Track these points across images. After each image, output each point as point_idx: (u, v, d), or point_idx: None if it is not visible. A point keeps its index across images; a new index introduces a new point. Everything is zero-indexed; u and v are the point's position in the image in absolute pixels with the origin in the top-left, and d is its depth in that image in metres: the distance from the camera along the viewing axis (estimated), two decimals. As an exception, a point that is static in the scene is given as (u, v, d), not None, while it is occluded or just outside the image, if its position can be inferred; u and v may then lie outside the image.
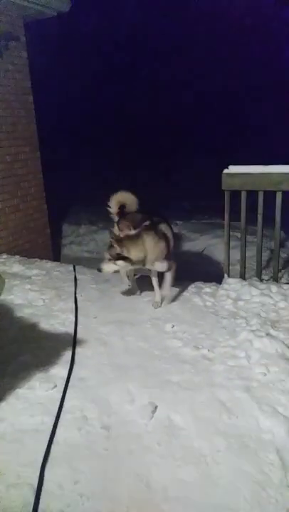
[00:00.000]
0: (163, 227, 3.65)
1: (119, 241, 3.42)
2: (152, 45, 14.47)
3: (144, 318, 3.76)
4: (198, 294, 4.19)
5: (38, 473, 2.10)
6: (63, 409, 2.56)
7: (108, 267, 3.52)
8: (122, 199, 3.97)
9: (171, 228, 3.80)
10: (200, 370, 2.93)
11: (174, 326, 3.54)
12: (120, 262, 3.46)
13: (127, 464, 2.17)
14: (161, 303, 3.94)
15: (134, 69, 14.68)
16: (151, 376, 2.88)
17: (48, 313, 3.84)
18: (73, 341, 3.35)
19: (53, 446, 2.28)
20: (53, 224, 7.23)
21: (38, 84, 6.34)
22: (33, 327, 3.60)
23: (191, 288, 4.35)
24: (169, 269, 3.77)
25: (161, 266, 3.68)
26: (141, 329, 3.56)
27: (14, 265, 5.03)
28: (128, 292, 4.20)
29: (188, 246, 6.69)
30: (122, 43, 14.17)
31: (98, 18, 13.25)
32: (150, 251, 3.52)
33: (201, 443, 2.29)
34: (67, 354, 3.16)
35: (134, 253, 3.45)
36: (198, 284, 4.52)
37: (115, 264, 3.47)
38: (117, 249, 3.40)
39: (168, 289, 3.91)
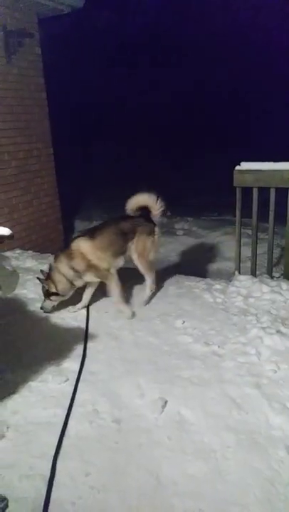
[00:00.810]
0: (79, 241, 3.71)
1: (46, 279, 3.66)
2: (168, 39, 14.37)
3: (154, 314, 3.78)
4: (209, 290, 4.19)
5: (50, 465, 2.14)
6: (75, 402, 2.60)
7: (48, 304, 3.73)
8: (141, 202, 3.97)
9: (91, 239, 3.70)
10: (210, 366, 2.94)
11: (184, 322, 3.55)
12: (54, 297, 3.69)
13: (138, 458, 2.20)
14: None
15: (148, 64, 14.61)
16: (161, 371, 2.90)
17: (60, 308, 3.88)
18: (85, 335, 3.39)
19: (64, 439, 2.33)
20: (65, 220, 7.28)
21: (50, 81, 6.37)
22: (45, 321, 3.65)
23: (202, 284, 4.35)
24: (104, 279, 3.79)
25: (89, 277, 3.77)
26: (151, 324, 3.59)
27: (27, 260, 5.09)
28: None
29: (198, 243, 6.67)
30: (136, 38, 14.10)
31: (112, 14, 13.21)
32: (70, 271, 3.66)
33: (211, 438, 2.31)
34: (79, 348, 3.20)
35: (59, 286, 3.65)
36: (209, 280, 4.52)
37: (51, 300, 3.70)
38: (46, 287, 3.65)
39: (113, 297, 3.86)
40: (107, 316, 3.77)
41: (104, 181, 11.10)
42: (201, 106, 14.58)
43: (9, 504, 1.56)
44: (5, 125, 5.46)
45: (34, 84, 5.95)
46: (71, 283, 3.69)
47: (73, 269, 3.64)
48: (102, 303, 4.01)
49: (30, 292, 4.15)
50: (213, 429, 2.37)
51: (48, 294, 3.66)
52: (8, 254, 5.02)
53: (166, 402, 2.56)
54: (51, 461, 2.17)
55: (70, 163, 9.22)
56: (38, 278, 3.76)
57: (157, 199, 3.94)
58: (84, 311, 3.82)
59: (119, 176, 11.26)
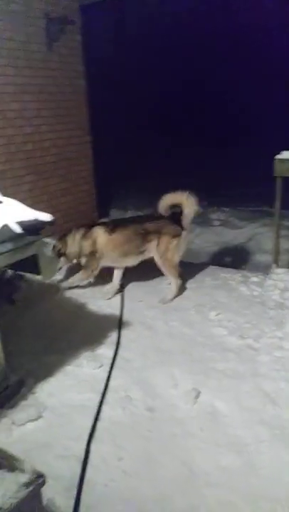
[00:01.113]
0: (98, 229, 3.92)
1: (61, 239, 3.87)
2: (211, 27, 13.97)
3: (189, 305, 3.76)
4: (245, 283, 4.12)
5: (84, 447, 2.20)
6: (109, 388, 2.65)
7: (61, 263, 3.92)
8: (173, 200, 3.88)
9: (109, 234, 3.89)
10: (245, 359, 2.91)
11: (219, 314, 3.52)
12: (62, 259, 3.86)
13: (170, 447, 2.22)
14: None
15: (191, 51, 14.29)
16: (195, 362, 2.89)
17: (95, 295, 3.94)
18: (119, 323, 3.43)
19: (98, 423, 2.37)
20: (101, 208, 7.34)
21: (90, 68, 6.38)
22: (81, 307, 3.72)
23: (238, 277, 4.28)
24: (84, 269, 4.00)
25: (81, 260, 3.98)
26: (185, 315, 3.57)
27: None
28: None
29: (234, 234, 6.54)
30: (178, 25, 13.80)
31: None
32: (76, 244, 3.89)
33: (245, 432, 2.29)
34: (113, 335, 3.24)
35: (68, 250, 3.86)
36: (245, 273, 4.44)
37: (62, 259, 3.87)
38: (57, 248, 3.79)
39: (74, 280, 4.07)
40: (141, 305, 3.79)
41: (141, 171, 11.07)
42: (238, 94, 14.17)
43: (46, 481, 1.60)
44: (45, 112, 5.53)
45: (74, 71, 5.97)
46: (77, 255, 3.92)
47: (80, 246, 3.86)
48: (135, 292, 4.04)
49: (66, 279, 4.23)
50: (247, 423, 2.35)
51: (58, 254, 3.81)
52: (46, 240, 5.13)
53: (199, 393, 2.55)
54: (85, 443, 2.22)
55: (107, 151, 9.25)
56: (55, 244, 3.80)
57: (190, 196, 3.80)
58: (118, 300, 3.85)
59: (155, 165, 11.20)
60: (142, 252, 3.93)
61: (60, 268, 3.98)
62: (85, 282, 4.09)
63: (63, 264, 3.95)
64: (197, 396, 2.54)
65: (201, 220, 7.14)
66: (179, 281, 3.91)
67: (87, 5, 6.12)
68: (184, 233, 3.89)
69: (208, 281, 4.24)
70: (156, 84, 14.55)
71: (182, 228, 3.89)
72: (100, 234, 3.86)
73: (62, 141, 5.91)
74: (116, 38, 12.72)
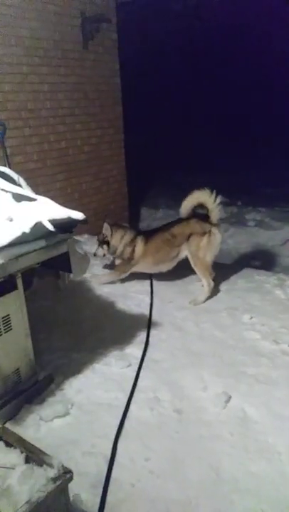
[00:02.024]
0: (139, 238, 4.06)
1: (112, 225, 4.05)
2: (246, 23, 13.69)
3: (221, 307, 3.69)
4: (281, 286, 3.99)
5: (111, 445, 2.18)
6: (136, 388, 2.63)
7: (100, 251, 4.14)
8: (196, 200, 3.82)
9: (145, 244, 4.05)
10: (278, 365, 2.81)
11: (252, 318, 3.43)
12: (105, 247, 4.07)
13: (198, 450, 2.17)
14: None
15: (231, 49, 14.06)
16: (225, 366, 2.83)
17: (125, 294, 3.94)
18: (148, 323, 3.41)
19: (125, 422, 2.35)
20: (132, 207, 7.34)
21: (126, 66, 6.38)
22: (110, 306, 3.72)
23: (273, 280, 4.16)
24: (116, 270, 4.18)
25: (116, 260, 4.20)
26: (217, 317, 3.51)
27: (95, 246, 5.21)
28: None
29: (270, 235, 6.36)
30: (216, 25, 13.59)
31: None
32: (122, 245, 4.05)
33: (277, 439, 2.21)
34: (142, 335, 3.22)
35: (113, 241, 4.03)
36: (281, 275, 4.31)
37: (102, 248, 4.09)
38: (105, 235, 4.05)
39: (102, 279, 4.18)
40: (172, 306, 3.75)
41: (173, 170, 11.01)
42: (270, 94, 13.83)
43: (73, 477, 1.60)
44: (79, 110, 5.59)
45: (109, 69, 6.00)
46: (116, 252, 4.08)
47: (123, 248, 4.02)
48: (165, 293, 4.00)
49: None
50: (279, 430, 2.27)
51: (102, 242, 4.03)
52: (77, 238, 5.19)
53: (230, 397, 2.49)
54: (112, 441, 2.21)
55: (139, 150, 9.25)
56: (107, 222, 4.10)
57: (214, 195, 3.72)
58: (147, 299, 3.83)
59: (187, 164, 11.11)
60: (174, 258, 4.01)
61: (104, 255, 4.16)
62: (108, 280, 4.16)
63: (101, 252, 4.12)
64: (227, 400, 2.48)
65: (235, 220, 7.01)
66: (212, 283, 3.84)
67: (124, 3, 6.13)
68: (213, 229, 3.82)
69: (242, 284, 4.14)
70: (190, 82, 14.42)
71: (211, 224, 3.83)
72: (140, 241, 4.02)
73: (95, 140, 5.95)
74: (150, 37, 12.67)
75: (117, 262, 4.14)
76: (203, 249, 3.80)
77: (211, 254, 3.83)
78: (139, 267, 4.10)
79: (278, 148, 11.95)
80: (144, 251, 4.00)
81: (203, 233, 3.81)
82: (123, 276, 4.11)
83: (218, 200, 3.74)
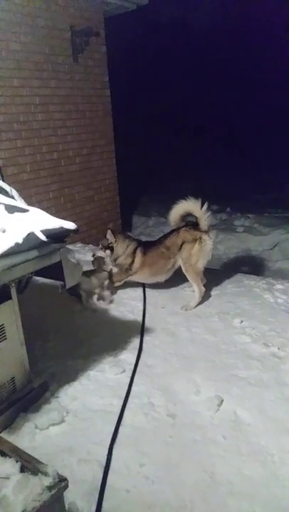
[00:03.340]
0: (139, 250, 4.09)
1: (116, 237, 4.05)
2: (233, 35, 13.97)
3: (212, 312, 3.74)
4: (270, 290, 4.06)
5: (106, 452, 2.20)
6: (131, 393, 2.65)
7: (100, 253, 4.12)
8: (185, 210, 3.90)
9: (143, 255, 4.09)
10: (269, 367, 2.86)
11: (242, 322, 3.48)
12: (108, 252, 4.05)
13: (192, 454, 2.20)
14: None
15: (214, 61, 14.32)
16: (217, 369, 2.87)
17: (118, 301, 3.97)
18: (141, 329, 3.44)
19: (120, 428, 2.38)
20: (124, 215, 7.41)
21: (115, 78, 6.49)
22: (103, 313, 3.75)
23: (262, 284, 4.22)
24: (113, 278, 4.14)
25: (114, 268, 4.15)
26: (208, 322, 3.55)
27: (88, 254, 5.26)
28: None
29: (259, 240, 6.47)
30: (201, 34, 13.85)
31: (177, 10, 13.05)
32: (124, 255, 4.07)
33: (269, 441, 2.25)
34: (136, 341, 3.25)
35: (117, 249, 4.04)
36: (270, 280, 4.38)
37: (104, 252, 4.07)
38: (109, 241, 4.05)
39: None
40: (164, 311, 3.79)
41: (162, 177, 11.12)
42: (262, 100, 14.06)
43: (68, 485, 1.62)
44: (70, 122, 5.67)
45: (99, 82, 6.10)
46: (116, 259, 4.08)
47: (125, 257, 4.04)
48: (158, 299, 4.04)
49: (90, 284, 4.28)
50: (271, 433, 2.31)
51: (106, 246, 4.05)
52: (70, 247, 5.22)
53: (222, 400, 2.53)
54: (107, 448, 2.23)
55: (128, 159, 9.35)
56: (110, 229, 4.13)
57: (200, 203, 3.77)
58: (140, 305, 3.87)
59: (178, 171, 11.22)
60: (169, 269, 4.06)
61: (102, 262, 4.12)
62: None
63: (103, 255, 4.10)
64: (220, 403, 2.51)
65: (225, 226, 7.11)
66: (203, 289, 3.89)
67: (112, 16, 6.26)
68: (204, 236, 3.86)
69: (232, 288, 4.20)
70: (181, 92, 14.63)
71: (200, 232, 3.88)
72: (139, 252, 4.06)
73: (87, 151, 6.03)
74: (139, 48, 12.87)
75: (115, 269, 4.14)
76: (195, 256, 3.85)
77: (203, 260, 3.88)
78: (136, 278, 4.15)
79: (266, 156, 12.13)
80: (142, 263, 4.05)
81: (194, 240, 3.86)
82: (117, 285, 4.15)
83: (206, 207, 3.79)
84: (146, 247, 4.12)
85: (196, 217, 3.85)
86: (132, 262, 4.05)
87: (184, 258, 3.90)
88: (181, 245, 3.91)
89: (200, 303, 3.87)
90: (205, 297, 3.96)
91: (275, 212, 7.96)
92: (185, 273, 3.93)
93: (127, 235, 4.24)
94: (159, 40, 13.76)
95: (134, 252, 4.06)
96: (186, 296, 4.03)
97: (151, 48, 13.73)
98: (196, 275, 3.88)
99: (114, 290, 4.13)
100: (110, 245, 4.05)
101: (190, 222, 3.99)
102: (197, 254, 3.85)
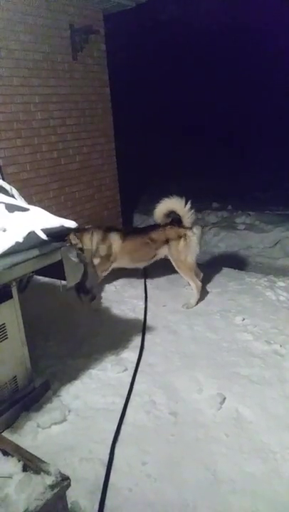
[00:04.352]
0: (114, 234, 4.10)
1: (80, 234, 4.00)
2: (233, 34, 13.92)
3: (213, 309, 3.73)
4: (271, 287, 4.05)
5: (108, 451, 2.20)
6: (133, 392, 2.65)
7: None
8: (169, 207, 3.94)
9: (122, 240, 4.10)
10: (271, 365, 2.85)
11: (244, 319, 3.47)
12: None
13: (194, 452, 2.20)
14: None
15: (214, 59, 14.28)
16: (219, 367, 2.87)
17: (119, 299, 3.98)
18: (143, 328, 3.44)
19: (122, 426, 2.38)
20: (124, 213, 7.39)
21: (115, 76, 6.47)
22: (105, 311, 3.76)
23: (264, 281, 4.22)
24: (96, 270, 4.12)
25: (94, 261, 4.10)
26: (209, 320, 3.55)
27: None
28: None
29: (260, 238, 6.44)
30: (200, 33, 13.80)
31: (176, 7, 13.01)
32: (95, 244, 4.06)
33: (271, 439, 2.25)
34: (137, 339, 3.25)
35: (85, 245, 4.01)
36: (271, 277, 4.37)
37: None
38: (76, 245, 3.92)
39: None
40: (165, 309, 3.79)
41: (163, 175, 11.09)
42: (262, 97, 14.03)
43: (71, 484, 1.62)
44: (70, 121, 5.65)
45: (98, 80, 6.08)
46: (91, 254, 4.07)
47: (97, 248, 4.04)
48: (159, 297, 4.04)
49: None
50: (273, 430, 2.31)
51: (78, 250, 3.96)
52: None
53: (224, 398, 2.53)
54: (109, 446, 2.23)
55: (129, 157, 9.33)
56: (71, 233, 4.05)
57: (186, 203, 3.84)
58: (142, 304, 3.87)
59: (178, 170, 11.20)
60: (151, 258, 4.14)
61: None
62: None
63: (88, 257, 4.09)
64: (222, 401, 2.51)
65: (226, 223, 7.09)
66: (199, 284, 3.92)
67: (111, 14, 6.23)
68: (188, 232, 3.92)
69: (233, 286, 4.19)
70: (181, 90, 14.59)
71: (184, 228, 3.94)
72: (115, 240, 4.08)
73: (87, 149, 6.01)
74: (139, 46, 12.84)
75: (96, 261, 4.14)
76: (183, 252, 3.92)
77: (191, 255, 3.93)
78: (118, 264, 4.19)
79: (267, 154, 12.09)
80: (121, 248, 4.09)
81: (179, 237, 3.93)
82: (105, 273, 4.17)
83: (189, 205, 3.85)
84: (126, 233, 4.18)
85: (180, 215, 3.91)
86: (110, 247, 4.08)
87: (172, 255, 3.97)
88: (166, 241, 3.99)
89: (201, 300, 3.87)
90: (206, 295, 3.96)
91: (276, 210, 7.93)
92: (178, 270, 3.98)
93: (85, 228, 4.19)
94: (158, 38, 13.72)
95: (106, 236, 4.08)
96: (187, 294, 4.03)
97: (150, 46, 13.70)
98: (189, 270, 3.93)
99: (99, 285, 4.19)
100: (78, 247, 4.02)
101: (175, 220, 4.02)
102: (184, 250, 3.91)
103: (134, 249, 4.11)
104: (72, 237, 3.98)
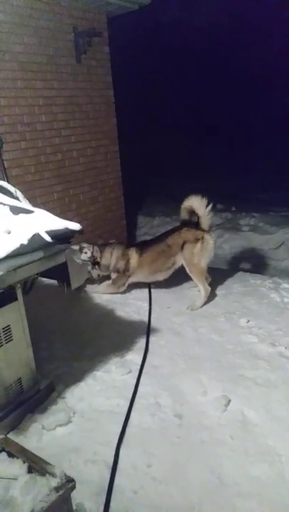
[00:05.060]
0: (132, 250, 4.18)
1: (99, 246, 4.20)
2: (236, 34, 13.93)
3: (218, 312, 3.72)
4: (276, 289, 4.04)
5: (113, 453, 2.20)
6: (137, 394, 2.65)
7: (94, 273, 4.24)
8: (192, 205, 3.94)
9: (139, 255, 4.15)
10: (276, 367, 2.84)
11: (249, 321, 3.46)
12: (97, 268, 4.20)
13: (199, 455, 2.19)
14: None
15: (216, 61, 14.28)
16: (224, 370, 2.85)
17: (124, 301, 3.97)
18: (147, 330, 3.43)
19: (127, 428, 2.37)
20: (128, 215, 7.40)
21: (118, 78, 6.48)
22: (110, 313, 3.75)
23: (268, 283, 4.20)
24: (113, 283, 4.21)
25: (112, 274, 4.23)
26: (214, 322, 3.54)
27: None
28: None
29: (264, 239, 6.43)
30: (203, 34, 13.82)
31: (179, 9, 13.02)
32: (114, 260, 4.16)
33: (276, 442, 2.23)
34: (142, 341, 3.25)
35: (103, 260, 4.17)
36: (276, 279, 4.36)
37: (96, 269, 4.21)
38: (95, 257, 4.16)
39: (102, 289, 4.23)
40: (170, 311, 3.79)
41: (167, 177, 11.10)
42: (270, 97, 14.01)
43: (76, 486, 1.62)
44: (74, 123, 5.66)
45: (102, 82, 6.09)
46: (109, 268, 4.18)
47: (116, 263, 4.12)
48: (164, 299, 4.03)
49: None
50: (279, 433, 2.29)
51: (94, 263, 4.12)
52: (75, 248, 5.23)
53: (229, 401, 2.52)
54: (114, 448, 2.23)
55: (133, 159, 9.35)
56: (97, 244, 4.21)
57: (205, 202, 3.83)
58: (146, 306, 3.87)
59: (181, 172, 11.20)
60: (170, 267, 4.08)
61: (99, 276, 4.24)
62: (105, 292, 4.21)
63: (94, 272, 4.18)
64: (227, 404, 2.50)
65: (230, 225, 7.08)
66: (208, 288, 3.89)
67: (114, 17, 6.25)
68: (206, 236, 3.90)
69: (238, 288, 4.18)
70: (181, 92, 14.60)
71: (202, 231, 3.91)
72: (134, 253, 4.10)
73: (91, 151, 6.03)
74: (142, 48, 12.87)
75: (114, 275, 4.18)
76: (197, 255, 3.87)
77: (205, 259, 3.90)
78: (136, 278, 4.18)
79: (270, 155, 12.07)
80: (139, 262, 4.09)
81: (196, 240, 3.89)
82: (122, 289, 4.17)
83: (210, 207, 3.83)
84: (142, 246, 4.18)
85: (199, 216, 3.88)
86: (127, 262, 4.09)
87: (186, 258, 3.90)
88: (183, 245, 3.93)
89: (206, 302, 3.86)
90: (211, 297, 3.95)
91: (280, 211, 7.90)
92: (189, 273, 3.93)
93: (109, 243, 4.30)
94: (161, 39, 13.75)
95: (125, 253, 4.12)
96: (192, 296, 4.02)
97: (154, 48, 13.72)
98: (201, 275, 3.88)
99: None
100: (96, 260, 4.14)
101: (190, 223, 4.01)
102: (199, 254, 3.87)
103: (150, 261, 4.09)
104: (95, 249, 4.10)
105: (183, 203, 3.93)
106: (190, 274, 3.93)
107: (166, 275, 4.13)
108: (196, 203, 3.84)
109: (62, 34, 5.31)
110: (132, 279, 4.17)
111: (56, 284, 3.70)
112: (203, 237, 3.87)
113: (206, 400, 2.56)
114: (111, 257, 4.12)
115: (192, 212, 3.94)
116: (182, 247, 3.94)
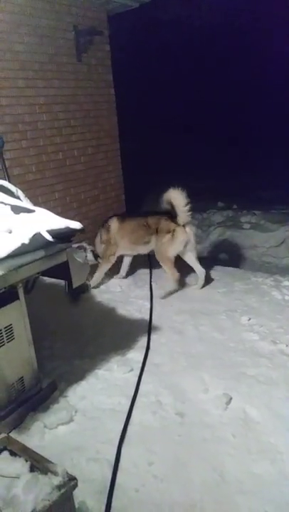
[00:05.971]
0: (113, 219, 4.47)
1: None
2: (237, 33, 13.87)
3: (220, 309, 3.72)
4: (277, 287, 4.03)
5: (115, 451, 2.21)
6: (139, 392, 2.65)
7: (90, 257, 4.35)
8: (171, 198, 4.05)
9: (120, 222, 4.42)
10: (277, 365, 2.84)
11: (250, 319, 3.46)
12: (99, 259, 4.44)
13: (201, 452, 2.20)
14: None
15: (217, 59, 14.24)
16: (225, 367, 2.86)
17: (125, 300, 3.98)
18: (148, 328, 3.44)
19: (129, 427, 2.38)
20: (129, 213, 7.38)
21: (119, 77, 6.47)
22: (111, 312, 3.76)
23: (270, 281, 4.20)
24: (102, 258, 4.44)
25: (100, 249, 4.50)
26: (215, 320, 3.54)
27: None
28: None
29: (266, 237, 6.41)
30: (204, 32, 13.77)
31: (180, 7, 12.97)
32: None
33: (278, 439, 2.24)
34: (143, 340, 3.26)
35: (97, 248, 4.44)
36: (277, 277, 4.35)
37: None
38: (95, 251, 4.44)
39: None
40: (171, 309, 3.79)
41: (168, 175, 11.08)
42: (270, 96, 13.97)
43: (78, 484, 1.63)
44: (75, 122, 5.66)
45: (103, 81, 6.08)
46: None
47: (100, 235, 4.43)
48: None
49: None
50: (280, 430, 2.30)
51: (95, 257, 4.41)
52: (75, 246, 5.23)
53: (230, 398, 2.52)
54: (116, 447, 2.23)
55: (133, 158, 9.34)
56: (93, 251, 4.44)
57: (187, 202, 3.93)
58: (147, 304, 3.87)
59: (181, 170, 11.17)
60: (146, 243, 4.27)
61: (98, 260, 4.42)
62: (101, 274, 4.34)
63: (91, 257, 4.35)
64: (228, 402, 2.51)
65: (231, 223, 7.06)
66: (176, 274, 4.06)
67: (115, 15, 6.24)
68: (178, 229, 4.01)
69: (239, 286, 4.18)
70: (186, 88, 14.57)
71: (176, 225, 4.02)
72: (113, 222, 4.36)
73: (92, 150, 6.02)
74: (143, 46, 12.84)
75: (100, 249, 4.43)
76: (166, 245, 4.05)
77: (172, 251, 4.07)
78: (120, 248, 4.37)
79: (273, 153, 12.04)
80: (119, 228, 4.31)
81: (168, 232, 4.05)
82: (113, 260, 4.35)
83: (188, 204, 3.95)
84: (123, 216, 4.50)
85: (177, 210, 3.97)
86: (108, 230, 4.34)
87: (157, 245, 4.14)
88: (157, 230, 4.13)
89: (207, 300, 3.87)
90: (212, 295, 3.96)
91: (281, 209, 7.88)
92: (157, 258, 4.16)
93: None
94: (162, 37, 13.71)
95: (106, 222, 4.41)
96: (193, 294, 4.03)
97: (154, 46, 13.69)
98: (167, 261, 4.08)
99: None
100: (95, 253, 4.43)
101: (173, 214, 4.07)
102: (166, 244, 4.04)
103: (130, 231, 4.30)
104: (92, 248, 4.36)
105: (164, 194, 4.08)
106: (158, 259, 4.17)
107: (146, 250, 4.34)
108: (175, 197, 3.96)
109: (62, 33, 5.31)
110: (118, 251, 4.37)
111: (56, 283, 3.72)
112: (174, 230, 4.02)
113: (208, 397, 2.57)
114: (98, 239, 4.40)
115: (172, 205, 4.01)
116: (156, 231, 4.16)
